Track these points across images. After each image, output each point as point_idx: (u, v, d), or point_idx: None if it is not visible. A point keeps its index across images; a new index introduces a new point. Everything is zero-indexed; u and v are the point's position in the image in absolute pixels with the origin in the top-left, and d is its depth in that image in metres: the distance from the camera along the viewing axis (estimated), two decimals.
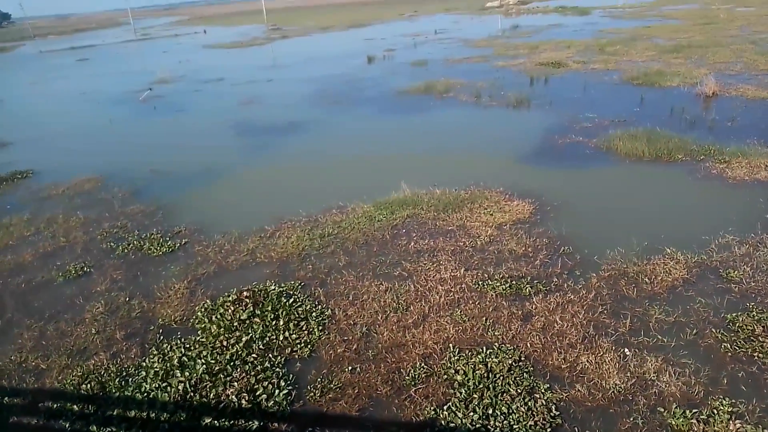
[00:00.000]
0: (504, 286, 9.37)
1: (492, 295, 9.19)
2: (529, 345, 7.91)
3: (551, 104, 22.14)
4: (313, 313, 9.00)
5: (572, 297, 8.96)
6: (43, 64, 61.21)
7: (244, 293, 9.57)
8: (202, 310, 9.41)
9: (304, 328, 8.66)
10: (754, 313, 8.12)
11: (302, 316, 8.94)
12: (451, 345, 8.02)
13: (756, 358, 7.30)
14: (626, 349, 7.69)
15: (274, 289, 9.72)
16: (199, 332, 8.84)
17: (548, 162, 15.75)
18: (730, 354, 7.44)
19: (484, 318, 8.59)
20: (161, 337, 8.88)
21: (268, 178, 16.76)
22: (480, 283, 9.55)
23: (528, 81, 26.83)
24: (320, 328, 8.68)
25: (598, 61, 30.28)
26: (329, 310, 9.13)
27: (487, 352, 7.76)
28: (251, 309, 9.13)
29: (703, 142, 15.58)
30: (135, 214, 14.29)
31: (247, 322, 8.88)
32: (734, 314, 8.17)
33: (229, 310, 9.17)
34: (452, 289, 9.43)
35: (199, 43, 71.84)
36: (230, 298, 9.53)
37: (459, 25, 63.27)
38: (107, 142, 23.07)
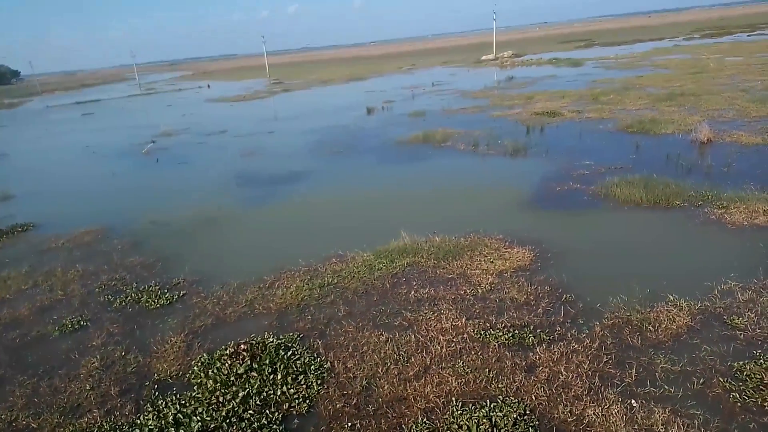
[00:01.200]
0: (506, 336, 9.22)
1: (494, 345, 9.02)
2: (534, 397, 7.71)
3: (548, 152, 22.44)
4: (312, 366, 8.82)
5: (576, 346, 8.80)
6: (49, 119, 62.57)
7: (242, 346, 9.41)
8: (199, 364, 9.23)
9: (302, 382, 8.46)
10: (762, 361, 7.95)
11: (300, 370, 8.76)
12: (453, 398, 7.82)
13: (766, 408, 7.09)
14: (633, 401, 7.48)
15: (272, 342, 9.56)
16: (195, 387, 8.64)
17: (547, 209, 15.82)
18: (739, 404, 7.23)
19: (487, 369, 8.40)
20: (156, 393, 8.67)
21: (268, 228, 16.80)
22: (482, 332, 9.40)
23: (524, 130, 27.29)
24: (319, 381, 8.48)
25: (592, 110, 30.91)
26: (328, 363, 8.95)
27: (491, 406, 7.54)
28: (248, 363, 8.96)
29: (700, 187, 15.69)
30: (134, 266, 14.24)
31: (244, 376, 8.69)
32: (741, 362, 8.00)
33: (226, 364, 8.99)
34: (454, 339, 9.27)
35: (203, 97, 73.65)
36: (227, 352, 9.36)
37: (455, 77, 64.98)
38: (109, 195, 23.27)
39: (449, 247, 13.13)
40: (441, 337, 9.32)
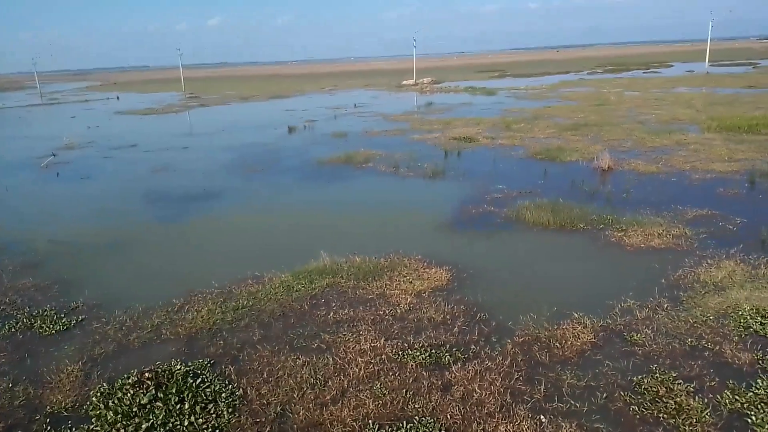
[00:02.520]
0: (424, 356, 9.29)
1: (412, 365, 9.05)
2: (449, 416, 7.77)
3: (464, 176, 23.21)
4: (223, 394, 8.40)
5: (489, 364, 9.02)
6: None
7: (146, 374, 8.81)
8: (98, 394, 8.52)
9: (212, 411, 8.03)
10: (657, 374, 8.52)
11: (210, 398, 8.31)
12: (370, 421, 7.72)
13: (662, 419, 7.58)
14: (542, 416, 7.74)
15: (180, 369, 9.02)
16: (93, 420, 7.95)
17: (463, 230, 16.28)
18: (638, 417, 7.68)
19: (404, 390, 8.40)
20: (49, 428, 7.89)
21: (179, 249, 16.02)
22: (400, 353, 9.41)
23: (443, 154, 28.12)
24: (230, 410, 8.08)
25: (505, 137, 32.44)
26: (240, 390, 8.56)
27: (408, 427, 7.52)
28: (153, 392, 8.38)
29: (602, 212, 16.80)
30: (26, 289, 13.04)
31: (148, 406, 8.11)
32: (640, 376, 8.53)
33: (129, 394, 8.36)
34: (372, 361, 9.20)
35: (111, 109, 69.80)
36: (130, 381, 8.72)
37: (377, 100, 66.07)
38: (0, 212, 21.27)
39: (369, 268, 13.13)
40: (359, 359, 9.22)
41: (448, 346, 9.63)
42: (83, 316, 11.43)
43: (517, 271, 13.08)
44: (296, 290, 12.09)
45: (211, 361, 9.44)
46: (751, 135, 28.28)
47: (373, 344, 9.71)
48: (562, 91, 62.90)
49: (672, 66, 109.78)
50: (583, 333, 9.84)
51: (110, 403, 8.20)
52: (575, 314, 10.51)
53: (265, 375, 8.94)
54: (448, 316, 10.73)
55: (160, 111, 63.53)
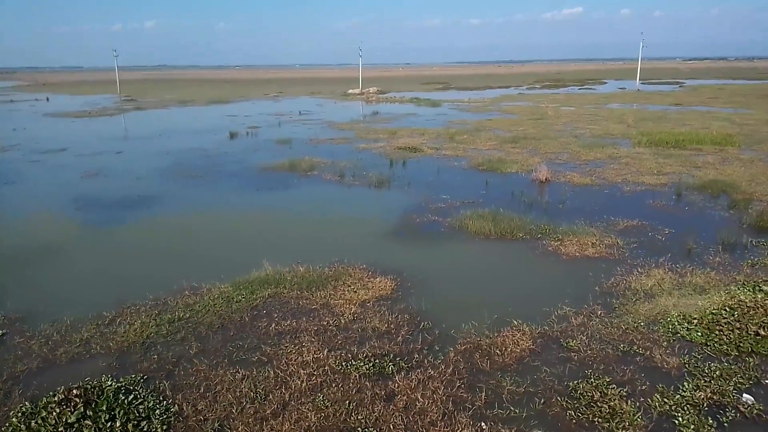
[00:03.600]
0: (367, 366, 9.22)
1: (355, 376, 8.97)
2: (392, 427, 7.73)
3: (409, 185, 23.41)
4: (157, 411, 8.01)
5: (432, 373, 9.06)
6: None
7: (74, 391, 8.28)
8: (19, 414, 7.93)
9: (145, 429, 7.63)
10: (592, 379, 8.83)
11: (144, 415, 7.90)
12: None
13: (596, 423, 7.84)
14: (483, 424, 7.84)
15: (111, 385, 8.55)
16: None
17: (408, 239, 16.38)
18: (574, 421, 7.91)
19: (347, 401, 8.29)
20: None
21: (111, 258, 15.24)
22: (343, 364, 9.31)
23: (388, 163, 28.27)
24: (164, 427, 7.71)
25: (449, 148, 33.02)
26: (176, 406, 8.20)
27: None
28: (81, 410, 7.88)
29: (539, 222, 17.35)
30: None
31: (76, 425, 7.62)
32: (575, 382, 8.80)
33: (54, 413, 7.82)
34: (315, 373, 9.05)
35: (40, 110, 66.07)
36: (56, 399, 8.17)
37: (323, 108, 65.79)
38: None
39: (313, 277, 12.96)
40: (302, 371, 9.05)
41: (391, 355, 9.61)
42: (4, 331, 10.67)
43: (460, 280, 13.27)
44: (236, 301, 11.76)
45: (145, 377, 9.01)
46: (677, 150, 30.08)
47: (315, 355, 9.56)
48: (503, 105, 64.82)
49: (606, 83, 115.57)
50: (522, 340, 10.08)
51: (33, 424, 7.66)
52: (515, 321, 10.75)
53: (202, 390, 8.61)
54: (392, 326, 10.72)
55: (94, 114, 60.71)
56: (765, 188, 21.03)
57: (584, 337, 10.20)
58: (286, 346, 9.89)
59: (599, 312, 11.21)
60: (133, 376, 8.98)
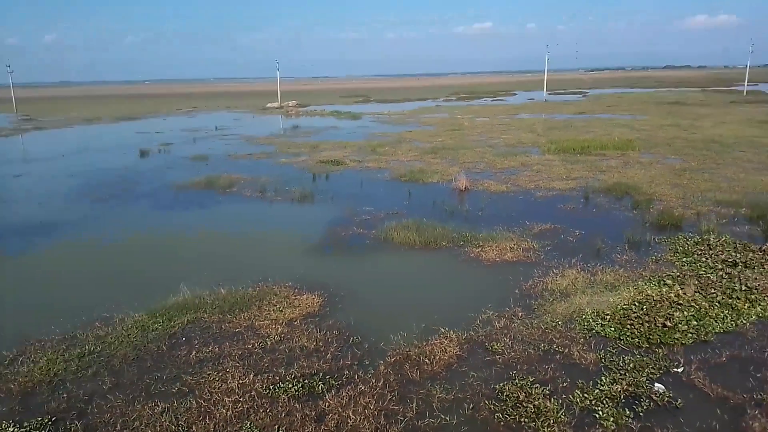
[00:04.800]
0: (296, 387, 9.00)
1: (284, 398, 8.71)
2: None
3: (333, 199, 23.31)
4: None
5: (363, 388, 8.98)
6: None
7: None
8: None
9: None
10: (517, 380, 9.10)
11: None
12: None
13: (523, 423, 8.07)
14: None
15: (13, 431, 7.79)
16: None
17: (334, 253, 16.26)
18: (503, 423, 8.11)
19: (276, 426, 8.03)
20: None
21: (10, 291, 13.97)
22: (271, 387, 9.02)
23: (311, 177, 28.03)
24: None
25: (371, 160, 33.27)
26: None
27: None
28: None
29: (461, 229, 17.80)
30: None
31: None
32: (501, 384, 9.04)
33: None
34: (240, 399, 8.69)
35: None
36: None
37: (240, 123, 64.33)
38: None
39: (236, 299, 12.52)
40: (226, 399, 8.67)
41: (321, 374, 9.45)
42: None
43: (387, 291, 13.32)
44: (152, 330, 11.13)
45: (53, 418, 8.29)
46: (583, 156, 32.01)
47: (241, 381, 9.21)
48: (421, 117, 66.32)
49: (516, 94, 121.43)
50: (450, 347, 10.23)
51: None
52: (442, 329, 10.91)
53: (118, 427, 8.05)
54: (320, 343, 10.55)
55: None
56: (664, 189, 22.81)
57: (508, 340, 10.51)
58: (209, 374, 9.46)
59: (520, 314, 11.62)
60: (39, 419, 8.24)
